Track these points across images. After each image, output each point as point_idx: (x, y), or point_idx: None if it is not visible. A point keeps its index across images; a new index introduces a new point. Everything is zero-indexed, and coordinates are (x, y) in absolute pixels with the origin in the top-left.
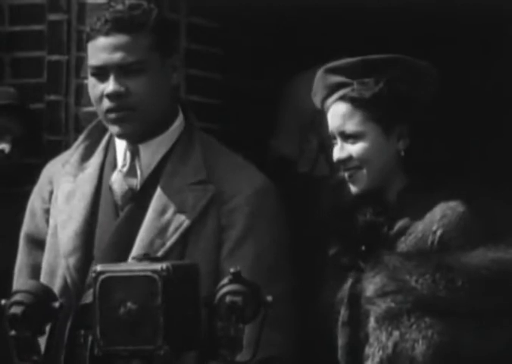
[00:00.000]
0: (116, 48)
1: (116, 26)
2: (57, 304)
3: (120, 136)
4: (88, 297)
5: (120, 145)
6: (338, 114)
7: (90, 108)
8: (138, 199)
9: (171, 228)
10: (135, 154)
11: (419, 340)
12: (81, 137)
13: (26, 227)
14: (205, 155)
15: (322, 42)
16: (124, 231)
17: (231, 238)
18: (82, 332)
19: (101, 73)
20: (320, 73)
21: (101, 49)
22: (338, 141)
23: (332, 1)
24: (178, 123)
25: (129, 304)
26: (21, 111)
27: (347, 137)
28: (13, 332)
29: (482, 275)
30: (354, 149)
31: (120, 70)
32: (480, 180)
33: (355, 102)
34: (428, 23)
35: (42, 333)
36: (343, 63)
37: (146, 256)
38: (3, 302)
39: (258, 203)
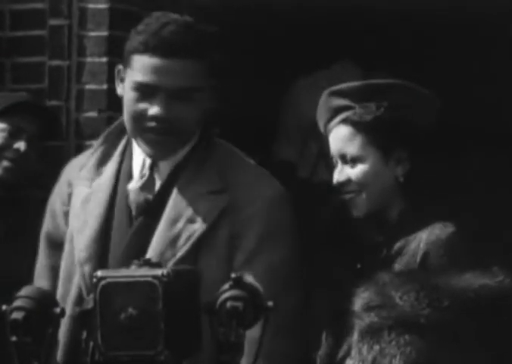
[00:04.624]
0: (169, 71)
1: (171, 49)
2: (58, 309)
3: (154, 157)
4: (89, 303)
5: (138, 154)
6: (339, 137)
7: (91, 114)
8: (152, 208)
9: (182, 239)
10: (154, 165)
11: (396, 355)
12: (99, 141)
13: (46, 228)
14: (221, 163)
15: (323, 47)
16: (138, 241)
17: (244, 248)
18: (84, 337)
19: (148, 91)
20: (324, 96)
21: (152, 69)
22: (339, 164)
23: (334, 5)
24: (197, 133)
25: (129, 309)
26: (37, 110)
27: (347, 160)
28: (14, 338)
29: (469, 298)
30: (353, 172)
31: (170, 94)
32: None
33: (356, 126)
34: (428, 25)
35: (43, 338)
36: (347, 86)
37: (147, 262)
38: (4, 307)
39: (272, 213)
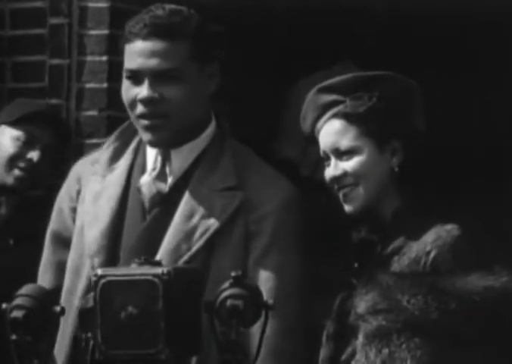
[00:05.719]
0: (152, 53)
1: (154, 31)
2: (58, 308)
3: (152, 143)
4: (90, 301)
5: (151, 149)
6: (331, 131)
7: (91, 112)
8: (165, 203)
9: (197, 233)
10: (166, 158)
11: (407, 359)
12: (112, 138)
13: (52, 225)
14: (236, 162)
15: (324, 47)
16: (150, 234)
17: (258, 246)
18: (84, 336)
19: (136, 77)
20: (310, 94)
21: (137, 53)
22: (332, 159)
23: (335, 5)
24: (210, 129)
25: (130, 308)
26: (52, 121)
27: (341, 154)
28: (14, 336)
29: (475, 301)
30: (350, 164)
31: (155, 76)
32: (472, 201)
33: (349, 118)
34: (429, 26)
35: (43, 337)
36: (335, 81)
37: (147, 260)
38: (4, 306)
39: (286, 213)
